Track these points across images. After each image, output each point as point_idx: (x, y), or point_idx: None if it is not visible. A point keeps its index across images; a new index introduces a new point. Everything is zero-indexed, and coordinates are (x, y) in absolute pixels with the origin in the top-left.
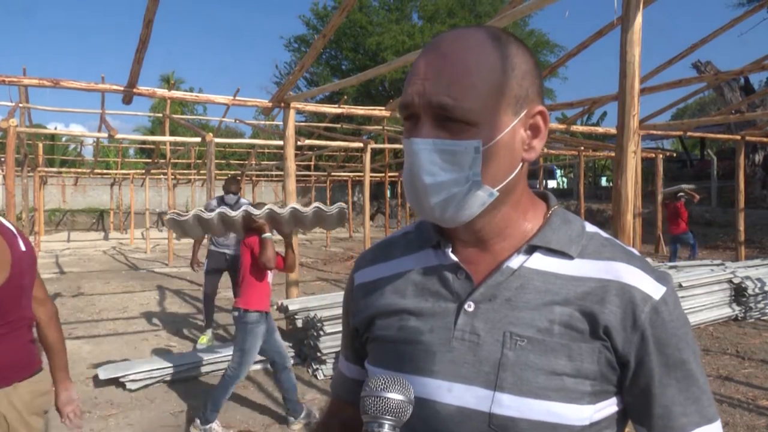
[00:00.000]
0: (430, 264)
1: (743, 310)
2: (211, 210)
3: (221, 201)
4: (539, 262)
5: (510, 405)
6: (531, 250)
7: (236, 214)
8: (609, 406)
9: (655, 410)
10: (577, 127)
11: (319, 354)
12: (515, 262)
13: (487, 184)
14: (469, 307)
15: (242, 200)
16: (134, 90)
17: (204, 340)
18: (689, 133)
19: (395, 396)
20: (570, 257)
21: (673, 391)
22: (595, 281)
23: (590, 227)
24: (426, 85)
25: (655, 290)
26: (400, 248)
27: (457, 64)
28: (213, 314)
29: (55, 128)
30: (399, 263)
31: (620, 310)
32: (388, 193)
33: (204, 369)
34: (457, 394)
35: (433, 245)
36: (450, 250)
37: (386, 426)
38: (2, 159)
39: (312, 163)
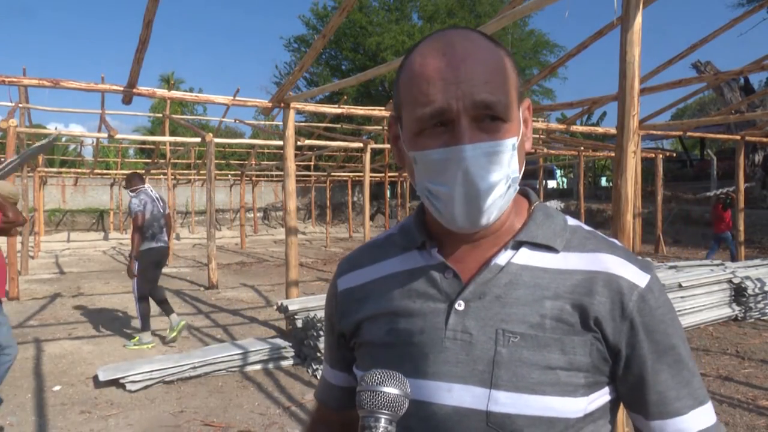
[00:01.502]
0: (417, 265)
1: (743, 310)
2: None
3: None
4: (526, 257)
5: (506, 402)
6: (517, 245)
7: None
8: (602, 397)
9: (650, 397)
10: (577, 127)
11: (318, 354)
12: (502, 258)
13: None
14: (460, 306)
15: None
16: (134, 90)
17: (136, 339)
18: (689, 133)
19: (391, 390)
20: (556, 251)
21: (666, 376)
22: (582, 273)
23: (572, 221)
24: (464, 88)
25: (640, 278)
26: (384, 251)
27: (483, 64)
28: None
29: (55, 128)
30: (384, 266)
31: (608, 301)
32: (388, 193)
33: (204, 369)
34: (452, 394)
35: (417, 246)
36: (436, 250)
37: (382, 420)
38: (2, 159)
39: (312, 163)
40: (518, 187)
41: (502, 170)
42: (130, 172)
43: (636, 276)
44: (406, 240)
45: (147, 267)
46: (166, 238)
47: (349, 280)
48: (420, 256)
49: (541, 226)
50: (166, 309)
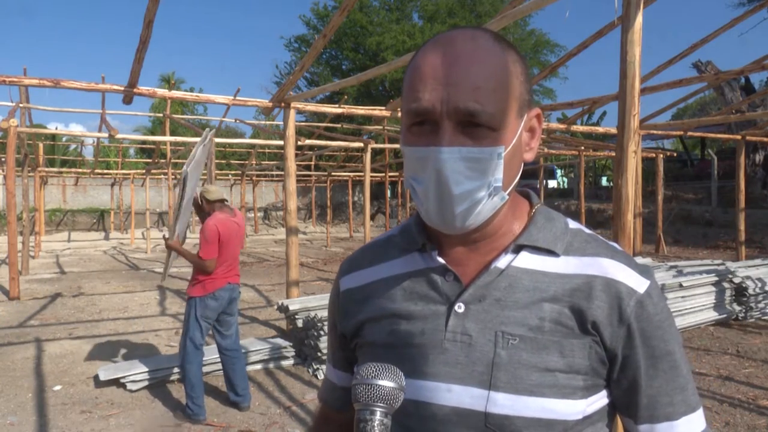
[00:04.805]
0: (418, 267)
1: (744, 310)
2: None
3: None
4: (526, 260)
5: (505, 403)
6: (518, 249)
7: None
8: (600, 400)
9: (641, 401)
10: (578, 127)
11: (319, 354)
12: (503, 261)
13: (502, 189)
14: (459, 308)
15: None
16: (134, 90)
17: None
18: (689, 133)
19: (386, 383)
20: (556, 255)
21: (660, 381)
22: (581, 277)
23: (573, 224)
24: (450, 91)
25: (639, 284)
26: (385, 252)
27: (478, 68)
28: None
29: (56, 128)
30: (385, 268)
31: (607, 305)
32: (389, 192)
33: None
34: (451, 395)
35: (418, 248)
36: (436, 252)
37: (378, 413)
38: (3, 159)
39: (312, 163)
40: (505, 196)
41: (482, 177)
42: None
43: (635, 281)
44: (407, 242)
45: None
46: None
47: (351, 280)
48: (421, 258)
49: (542, 229)
50: None
